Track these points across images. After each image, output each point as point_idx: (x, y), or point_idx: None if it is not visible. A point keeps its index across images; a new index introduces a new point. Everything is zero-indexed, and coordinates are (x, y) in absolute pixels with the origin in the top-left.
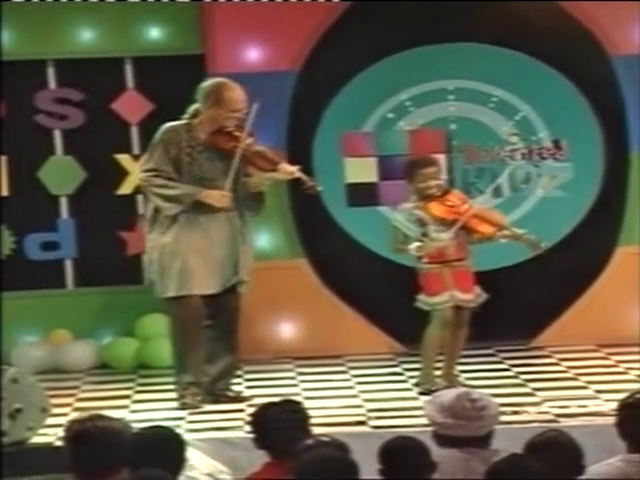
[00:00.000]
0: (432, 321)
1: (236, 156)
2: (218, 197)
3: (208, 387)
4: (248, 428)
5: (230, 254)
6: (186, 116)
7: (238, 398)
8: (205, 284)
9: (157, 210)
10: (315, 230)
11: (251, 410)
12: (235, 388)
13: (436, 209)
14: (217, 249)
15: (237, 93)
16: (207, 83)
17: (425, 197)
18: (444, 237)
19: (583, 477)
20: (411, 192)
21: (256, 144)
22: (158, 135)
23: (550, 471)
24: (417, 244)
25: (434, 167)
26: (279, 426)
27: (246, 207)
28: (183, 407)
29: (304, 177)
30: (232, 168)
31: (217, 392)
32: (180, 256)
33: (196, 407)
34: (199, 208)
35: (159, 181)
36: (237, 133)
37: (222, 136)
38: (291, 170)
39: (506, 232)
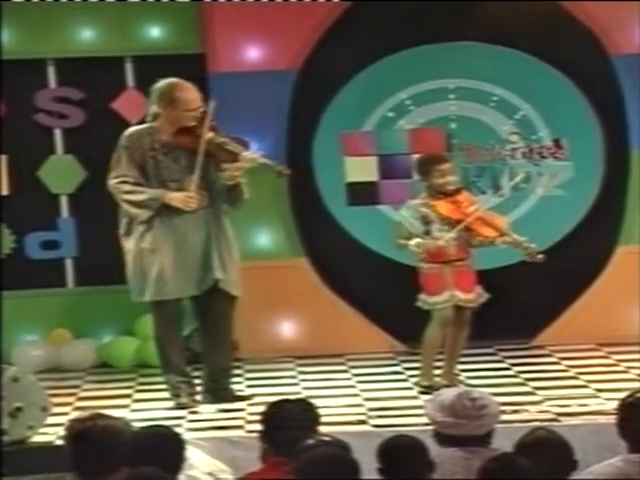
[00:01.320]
0: (432, 320)
1: (198, 153)
2: (182, 199)
3: (207, 386)
4: (249, 427)
5: (206, 254)
6: (148, 119)
7: (237, 397)
8: (180, 288)
9: (129, 215)
10: (315, 229)
11: (252, 409)
12: (235, 387)
13: (443, 207)
14: (193, 250)
15: (189, 92)
16: (159, 85)
17: (440, 193)
18: (446, 237)
19: (583, 477)
20: (423, 189)
21: (218, 137)
22: (121, 141)
23: (544, 470)
24: (417, 240)
25: (449, 163)
26: (291, 424)
27: (225, 202)
28: (179, 407)
29: (268, 162)
30: (196, 166)
31: (216, 391)
32: (157, 261)
33: (192, 406)
34: (171, 210)
35: (127, 187)
36: (199, 129)
37: (183, 135)
38: (253, 157)
39: (507, 238)
